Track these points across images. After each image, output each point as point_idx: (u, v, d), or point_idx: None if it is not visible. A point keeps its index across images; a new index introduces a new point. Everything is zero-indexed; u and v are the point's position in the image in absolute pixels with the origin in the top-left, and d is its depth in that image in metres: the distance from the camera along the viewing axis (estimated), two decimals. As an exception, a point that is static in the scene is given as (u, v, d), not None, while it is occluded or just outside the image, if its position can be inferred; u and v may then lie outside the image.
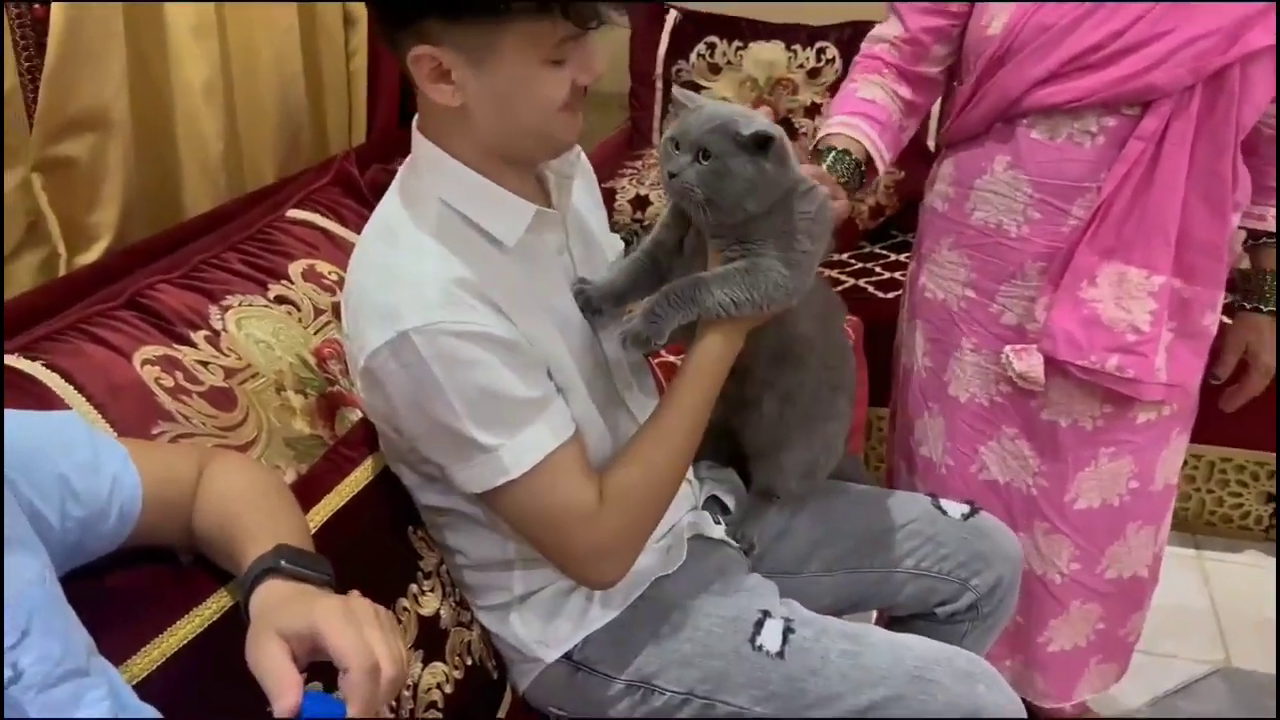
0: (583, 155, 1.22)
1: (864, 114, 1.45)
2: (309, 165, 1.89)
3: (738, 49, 2.80)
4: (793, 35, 2.78)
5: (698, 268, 1.12)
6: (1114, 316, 1.37)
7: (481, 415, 0.99)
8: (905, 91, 1.49)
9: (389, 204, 1.09)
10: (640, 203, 2.48)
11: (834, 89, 2.73)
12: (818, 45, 2.76)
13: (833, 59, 2.75)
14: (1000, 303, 1.47)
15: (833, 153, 1.42)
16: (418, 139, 1.07)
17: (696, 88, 2.83)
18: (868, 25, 2.69)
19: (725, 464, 1.39)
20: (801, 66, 2.77)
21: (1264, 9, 1.24)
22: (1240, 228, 1.41)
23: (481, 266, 1.02)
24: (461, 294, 0.99)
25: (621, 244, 1.31)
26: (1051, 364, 1.40)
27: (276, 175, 1.82)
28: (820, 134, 1.49)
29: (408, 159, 1.11)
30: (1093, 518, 1.49)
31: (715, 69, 2.82)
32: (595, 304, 1.14)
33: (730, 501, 1.34)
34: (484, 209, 1.04)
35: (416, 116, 1.08)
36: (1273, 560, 2.26)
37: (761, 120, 1.06)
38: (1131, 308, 1.36)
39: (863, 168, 1.44)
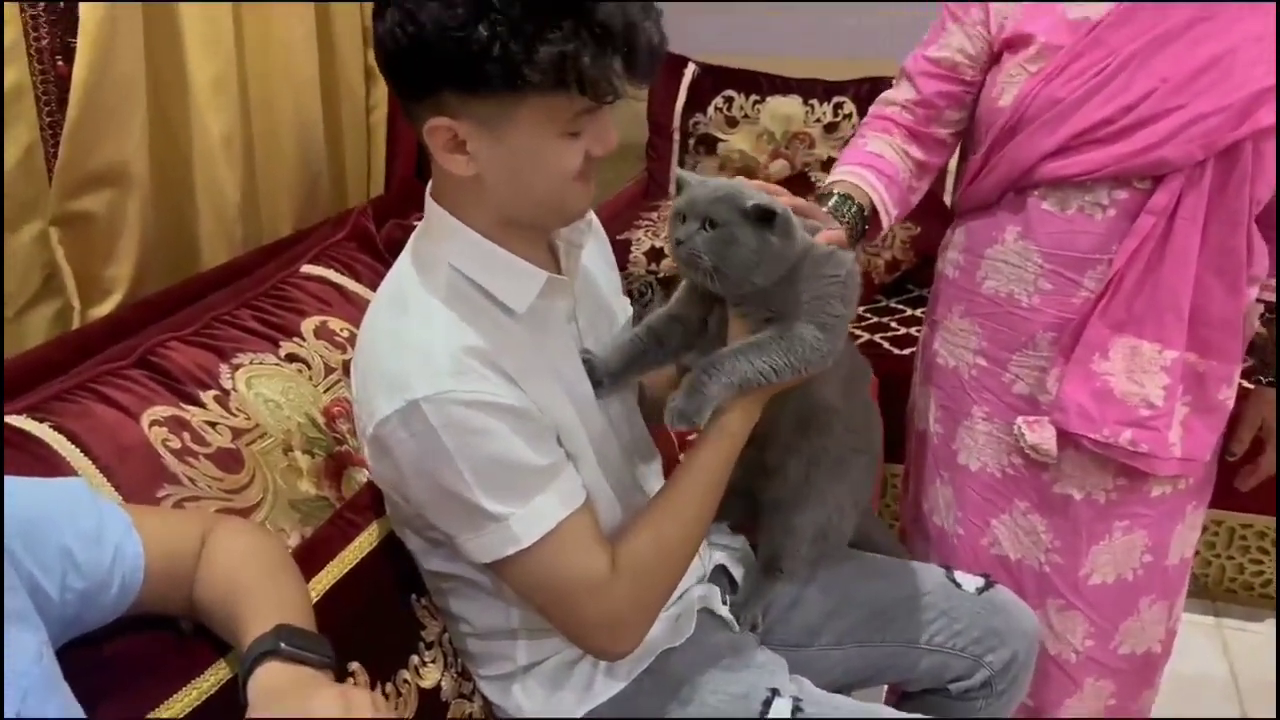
0: (594, 218, 1.21)
1: (871, 166, 1.44)
2: (326, 216, 1.90)
3: (755, 103, 2.82)
4: (810, 90, 2.79)
5: (720, 345, 1.12)
6: (1127, 390, 1.35)
7: (491, 484, 0.99)
8: (915, 151, 1.49)
9: (401, 269, 1.08)
10: (655, 254, 2.48)
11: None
12: (835, 100, 2.77)
13: (850, 114, 2.76)
14: (1012, 372, 1.45)
15: (835, 197, 1.40)
16: (431, 205, 1.07)
17: (714, 140, 2.84)
18: (885, 81, 2.72)
19: (737, 526, 1.37)
20: (819, 121, 2.78)
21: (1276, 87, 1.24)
22: (1258, 301, 1.40)
23: (492, 333, 1.02)
24: (471, 362, 0.99)
25: (631, 308, 1.30)
26: (1064, 436, 1.38)
27: (294, 227, 1.83)
28: (826, 181, 1.48)
29: (420, 224, 1.11)
30: (1107, 593, 1.46)
31: (732, 122, 2.83)
32: (598, 376, 1.14)
33: (739, 574, 1.32)
34: (495, 276, 1.04)
35: (431, 182, 1.08)
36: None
37: (765, 196, 1.07)
38: (1145, 382, 1.35)
39: (866, 215, 1.42)
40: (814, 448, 1.22)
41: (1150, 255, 1.31)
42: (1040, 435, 1.39)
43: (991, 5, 1.40)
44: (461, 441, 0.97)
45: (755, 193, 1.06)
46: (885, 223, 1.44)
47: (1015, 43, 1.37)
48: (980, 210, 1.46)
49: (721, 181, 1.09)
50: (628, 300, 1.31)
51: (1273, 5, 1.25)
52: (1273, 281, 1.40)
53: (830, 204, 1.39)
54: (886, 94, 1.54)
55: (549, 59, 0.88)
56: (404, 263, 1.09)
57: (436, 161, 1.01)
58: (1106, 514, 1.43)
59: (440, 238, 1.06)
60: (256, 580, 0.91)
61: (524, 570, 1.03)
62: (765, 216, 1.04)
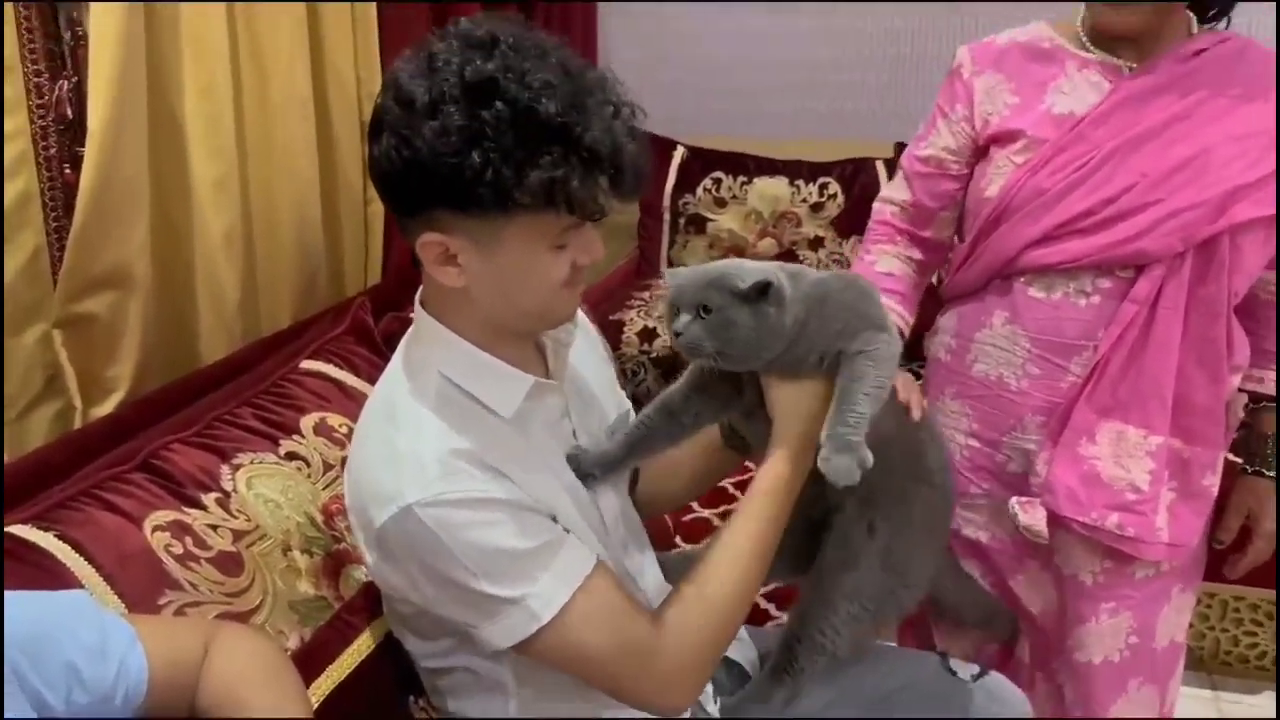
0: (582, 316, 1.24)
1: (886, 289, 1.49)
2: (325, 306, 1.94)
3: (743, 183, 2.88)
4: (796, 171, 2.86)
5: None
6: (1113, 474, 1.37)
7: (497, 573, 1.00)
8: (917, 254, 1.55)
9: (391, 377, 1.11)
10: (648, 335, 2.52)
11: (837, 222, 2.82)
12: (820, 180, 2.84)
13: (835, 194, 2.83)
14: (1004, 453, 1.48)
15: None
16: (420, 313, 1.10)
17: (703, 220, 2.90)
18: (868, 162, 2.82)
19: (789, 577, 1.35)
20: (805, 201, 2.84)
21: (1254, 183, 1.29)
22: (1240, 390, 1.43)
23: (481, 436, 1.04)
24: (460, 463, 1.01)
25: (629, 403, 1.33)
26: (1054, 518, 1.40)
27: (292, 318, 1.87)
28: None
29: (410, 330, 1.14)
30: (1094, 672, 1.48)
31: (721, 202, 2.90)
32: (586, 469, 1.15)
33: (745, 660, 1.32)
34: (482, 382, 1.07)
35: (420, 290, 1.12)
36: (1292, 702, 2.21)
37: (752, 267, 1.09)
38: (1130, 466, 1.37)
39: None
40: (873, 477, 1.15)
41: (1134, 343, 1.35)
42: (1033, 517, 1.41)
43: (976, 101, 1.45)
44: (459, 538, 0.99)
45: (741, 267, 1.08)
46: (905, 333, 1.51)
47: (1002, 138, 1.42)
48: (969, 296, 1.50)
49: (708, 267, 1.12)
50: (623, 395, 1.33)
51: (1251, 107, 1.31)
52: (1255, 372, 1.43)
53: None
54: (886, 191, 1.59)
55: (539, 183, 0.93)
56: (394, 370, 1.11)
57: (427, 272, 1.04)
58: (1093, 595, 1.45)
59: (429, 345, 1.09)
60: (257, 692, 0.92)
61: (555, 646, 1.03)
62: (761, 291, 1.06)
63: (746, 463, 1.30)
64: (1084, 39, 1.42)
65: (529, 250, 0.99)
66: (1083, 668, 1.48)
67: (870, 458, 1.05)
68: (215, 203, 1.64)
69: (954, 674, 1.34)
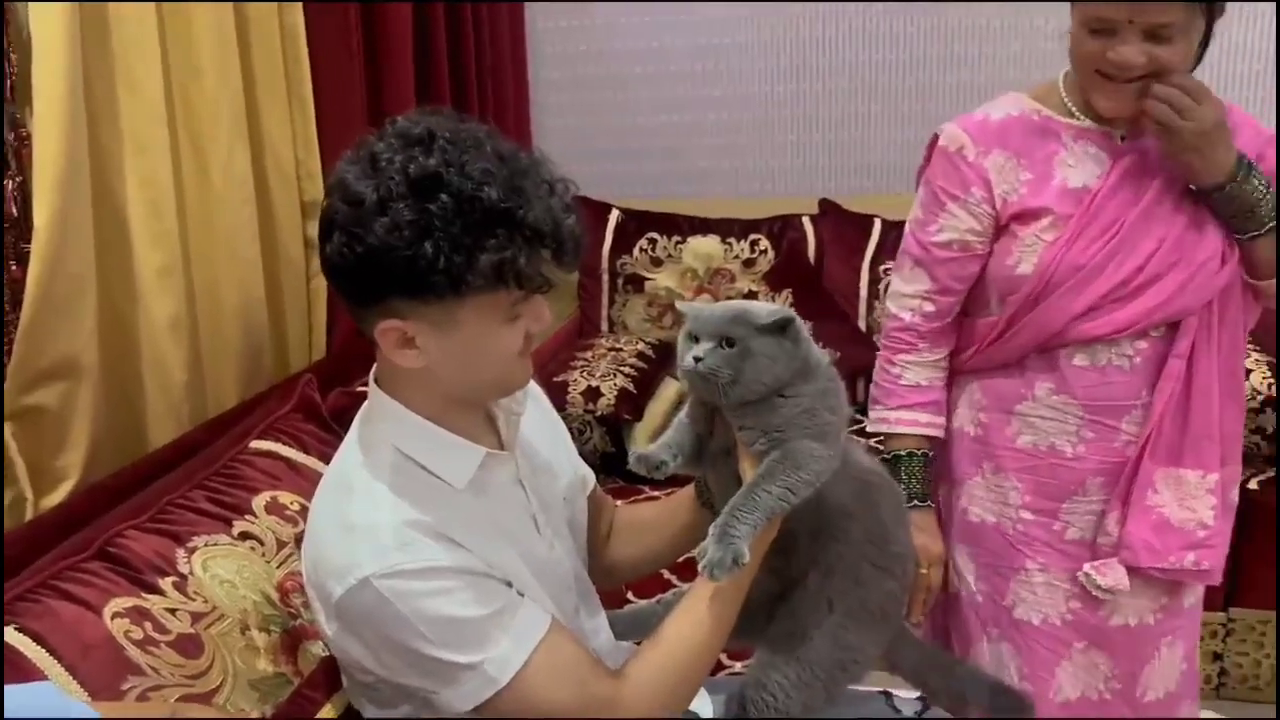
0: (533, 384, 1.30)
1: (916, 404, 1.56)
2: (271, 383, 1.97)
3: (677, 243, 2.97)
4: (727, 229, 2.96)
5: (727, 467, 1.21)
6: (1182, 517, 1.45)
7: (455, 640, 1.05)
8: (940, 353, 1.57)
9: (345, 455, 1.16)
10: (592, 394, 2.57)
11: (769, 277, 2.91)
12: (751, 237, 2.94)
13: (765, 249, 2.92)
14: (1063, 520, 1.51)
15: (902, 459, 1.56)
16: (374, 390, 1.15)
17: (641, 279, 2.98)
18: (795, 218, 2.93)
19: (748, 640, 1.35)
20: (737, 257, 2.94)
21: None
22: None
23: (435, 506, 1.09)
24: (415, 534, 1.06)
25: (587, 468, 1.38)
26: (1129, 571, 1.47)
27: (239, 397, 1.89)
28: (879, 425, 1.59)
29: (364, 408, 1.19)
30: (1160, 708, 1.54)
31: (657, 261, 2.98)
32: (654, 461, 1.21)
33: (699, 710, 1.36)
34: (435, 455, 1.12)
35: (374, 369, 1.17)
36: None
37: (774, 308, 1.17)
38: (1195, 507, 1.46)
39: (930, 455, 1.58)
40: (831, 554, 1.25)
41: (1180, 394, 1.44)
42: (1113, 577, 1.47)
43: (992, 181, 1.47)
44: (416, 608, 1.03)
45: (765, 309, 1.17)
46: (943, 430, 1.59)
47: (1025, 215, 1.46)
48: (1000, 369, 1.53)
49: (727, 304, 1.20)
50: (580, 461, 1.38)
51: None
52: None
53: (902, 468, 1.55)
54: (898, 287, 1.58)
55: (489, 265, 0.99)
56: (349, 447, 1.16)
57: (384, 355, 1.09)
58: (1155, 633, 1.52)
59: (383, 421, 1.14)
60: None
61: (515, 706, 1.07)
62: (783, 326, 1.15)
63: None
64: (1070, 106, 1.47)
65: (484, 326, 1.05)
66: (1149, 707, 1.54)
67: (746, 556, 1.10)
68: (160, 289, 1.67)
69: (897, 711, 1.40)
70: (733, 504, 1.14)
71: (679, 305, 1.28)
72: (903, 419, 1.57)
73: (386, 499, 1.08)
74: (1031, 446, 1.51)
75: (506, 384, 1.15)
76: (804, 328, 1.19)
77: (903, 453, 1.56)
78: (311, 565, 1.10)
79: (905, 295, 1.56)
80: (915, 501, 1.55)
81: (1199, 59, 1.40)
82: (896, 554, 1.31)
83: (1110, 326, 1.43)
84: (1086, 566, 1.48)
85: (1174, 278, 1.41)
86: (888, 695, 1.44)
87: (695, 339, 1.17)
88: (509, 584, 1.10)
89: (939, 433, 1.57)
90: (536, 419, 1.30)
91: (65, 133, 1.43)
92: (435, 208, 0.98)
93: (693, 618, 1.16)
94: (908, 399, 1.57)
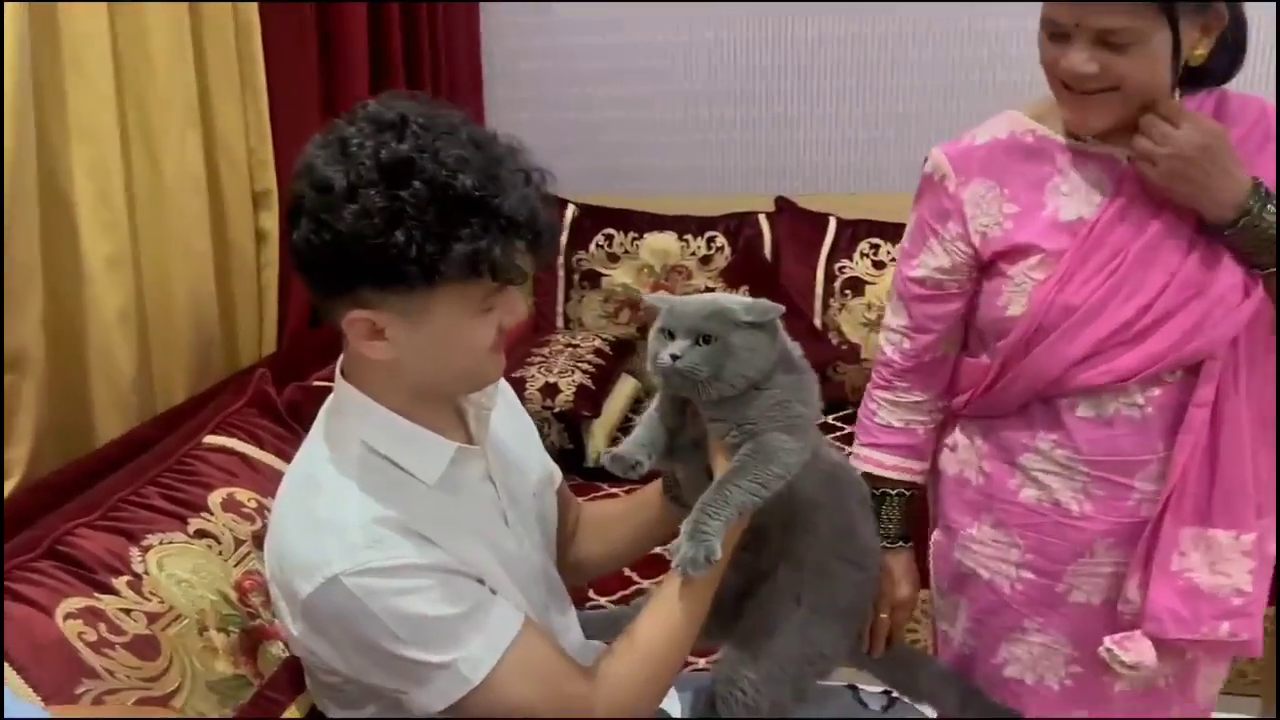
0: (502, 380, 1.28)
1: (883, 444, 1.46)
2: (220, 378, 1.92)
3: (633, 239, 2.96)
4: (684, 225, 2.95)
5: (697, 460, 1.19)
6: (1214, 583, 1.28)
7: (426, 639, 1.02)
8: (917, 395, 1.44)
9: (311, 450, 1.12)
10: (550, 390, 2.55)
11: (726, 274, 2.91)
12: (708, 234, 2.94)
13: (722, 246, 2.92)
14: (1067, 582, 1.35)
15: (875, 497, 1.43)
16: (341, 384, 1.12)
17: (597, 275, 2.96)
18: (751, 216, 2.94)
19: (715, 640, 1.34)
20: (694, 254, 2.93)
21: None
22: None
23: (406, 503, 1.06)
24: (385, 531, 1.03)
25: (555, 465, 1.36)
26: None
27: (188, 392, 1.84)
28: (854, 460, 1.48)
29: (330, 400, 1.15)
30: None
31: (614, 258, 2.96)
32: (629, 461, 1.19)
33: (671, 706, 1.35)
34: (405, 450, 1.09)
35: (341, 360, 1.14)
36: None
37: (749, 301, 1.16)
38: (1229, 570, 1.28)
39: (911, 497, 1.47)
40: (800, 547, 1.25)
41: (1206, 446, 1.26)
42: (1138, 653, 1.28)
43: (967, 216, 1.33)
44: (387, 606, 1.00)
45: (740, 303, 1.15)
46: (922, 475, 1.47)
47: (1010, 254, 1.31)
48: (999, 416, 1.38)
49: (701, 298, 1.18)
50: (548, 458, 1.36)
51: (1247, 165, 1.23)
52: None
53: (878, 506, 1.45)
54: (886, 319, 1.47)
55: (463, 255, 0.96)
56: (315, 442, 1.13)
57: (352, 346, 1.06)
58: (1166, 697, 1.37)
59: (350, 415, 1.11)
60: None
61: (488, 705, 1.05)
62: (762, 323, 1.13)
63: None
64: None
65: (456, 318, 1.02)
66: None
67: (719, 552, 1.10)
68: (109, 281, 1.61)
69: (865, 705, 1.40)
70: (704, 500, 1.13)
71: (646, 298, 1.26)
72: (870, 458, 1.47)
73: (355, 495, 1.05)
74: (1035, 502, 1.35)
75: (478, 378, 1.12)
76: (778, 321, 1.18)
77: (876, 491, 1.45)
78: (277, 563, 1.07)
79: (889, 329, 1.46)
80: (886, 542, 1.44)
81: (1177, 74, 1.21)
82: (864, 547, 1.32)
83: (1112, 375, 1.26)
84: (1108, 641, 1.30)
85: (1187, 315, 1.23)
86: (854, 689, 1.44)
87: (670, 335, 1.15)
88: (481, 581, 1.08)
89: (911, 477, 1.46)
90: (505, 415, 1.28)
91: (12, 120, 1.38)
92: (407, 195, 0.96)
93: (664, 615, 1.14)
94: (878, 438, 1.47)
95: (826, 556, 1.27)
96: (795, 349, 1.22)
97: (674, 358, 1.13)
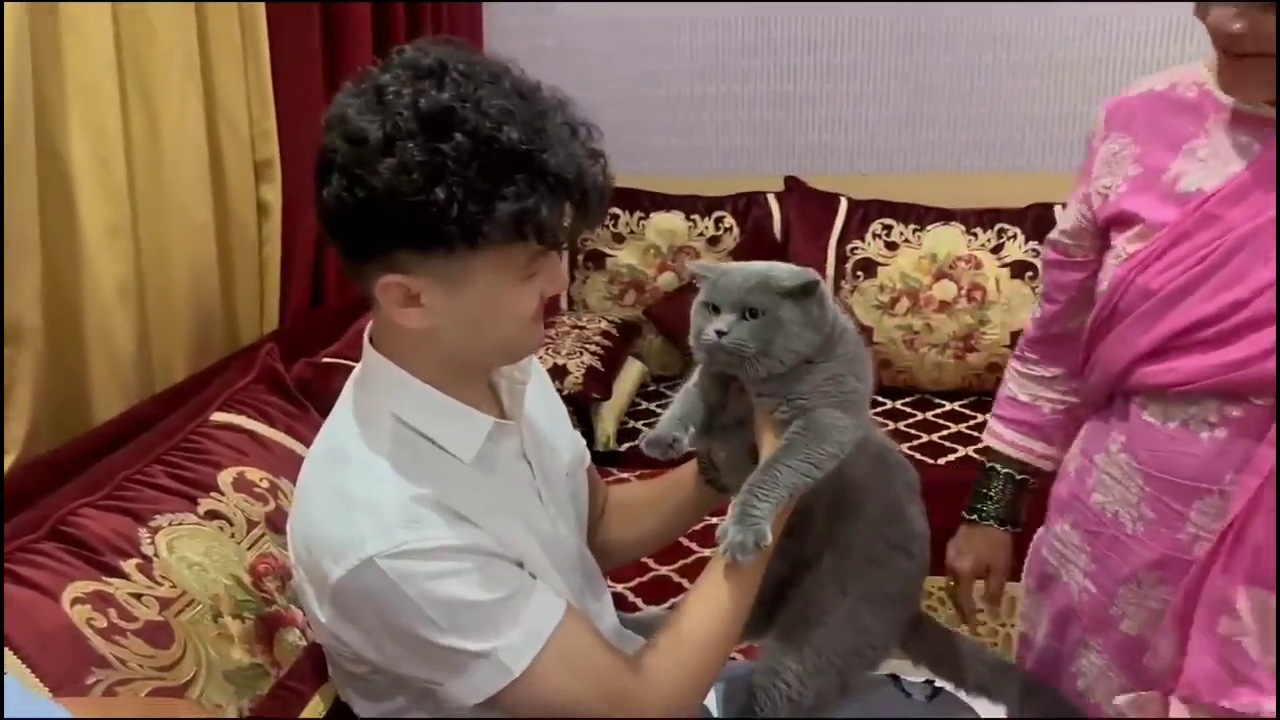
0: (534, 359, 1.21)
1: (1002, 416, 1.38)
2: (221, 356, 1.84)
3: (640, 219, 2.89)
4: (691, 205, 2.89)
5: (740, 439, 1.13)
6: (1267, 652, 1.07)
7: (466, 626, 0.95)
8: (1051, 370, 1.35)
9: (339, 423, 1.05)
10: (557, 373, 2.48)
11: (734, 255, 2.85)
12: (715, 214, 2.88)
13: (730, 227, 2.86)
14: (1119, 607, 1.22)
15: (983, 470, 1.37)
16: (371, 353, 1.05)
17: (602, 256, 2.90)
18: (760, 195, 2.87)
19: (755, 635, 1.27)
20: (701, 234, 2.87)
21: None
22: None
23: (441, 480, 0.99)
24: (422, 510, 0.96)
25: (583, 441, 1.29)
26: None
27: (188, 370, 1.77)
28: (988, 440, 1.42)
29: (357, 372, 1.08)
30: None
31: (619, 238, 2.90)
32: (666, 440, 1.12)
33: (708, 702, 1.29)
34: (440, 425, 1.02)
35: (370, 329, 1.06)
36: None
37: (796, 269, 1.08)
38: None
39: (1018, 478, 1.39)
40: (848, 534, 1.18)
41: (1274, 495, 1.04)
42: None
43: (1094, 174, 1.22)
44: (424, 590, 0.93)
45: (787, 269, 1.08)
46: (1047, 466, 1.37)
47: (1118, 220, 1.18)
48: (1093, 410, 1.28)
49: (745, 268, 1.10)
50: (577, 434, 1.29)
51: None
52: None
53: (982, 481, 1.39)
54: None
55: (507, 214, 0.89)
56: (343, 416, 1.05)
57: (384, 314, 0.99)
58: None
59: (382, 389, 1.03)
60: None
61: (528, 698, 0.98)
62: (809, 290, 1.06)
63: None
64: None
65: (498, 284, 0.95)
66: None
67: (769, 536, 1.04)
68: (109, 250, 1.53)
69: (908, 695, 1.34)
70: (752, 481, 1.07)
71: (689, 265, 1.19)
72: (990, 429, 1.40)
73: (389, 472, 0.97)
74: (1099, 508, 1.23)
75: (517, 349, 1.05)
76: (828, 290, 1.11)
77: (985, 464, 1.37)
78: (303, 544, 0.99)
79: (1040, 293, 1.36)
80: (978, 518, 1.38)
81: None
82: (912, 533, 1.25)
83: (1175, 375, 1.10)
84: (1118, 700, 1.17)
85: None
86: (896, 679, 1.38)
87: (714, 309, 1.08)
88: (520, 565, 1.01)
89: (1027, 457, 1.37)
90: (538, 391, 1.21)
91: (10, 79, 1.30)
92: (449, 148, 0.88)
93: (709, 605, 1.07)
94: (1002, 410, 1.39)
95: (874, 543, 1.21)
96: (848, 322, 1.15)
97: (720, 334, 1.06)
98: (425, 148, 0.88)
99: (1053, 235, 1.32)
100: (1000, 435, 1.40)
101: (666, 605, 1.27)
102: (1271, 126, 1.07)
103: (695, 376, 1.20)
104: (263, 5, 1.91)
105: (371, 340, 1.05)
